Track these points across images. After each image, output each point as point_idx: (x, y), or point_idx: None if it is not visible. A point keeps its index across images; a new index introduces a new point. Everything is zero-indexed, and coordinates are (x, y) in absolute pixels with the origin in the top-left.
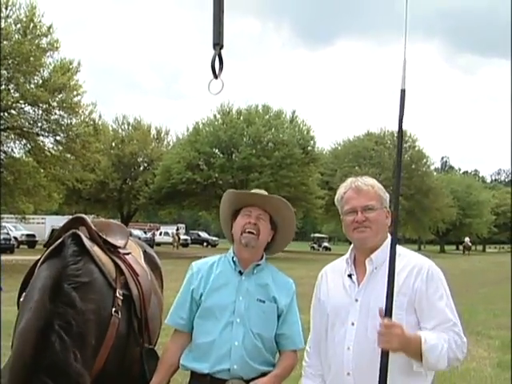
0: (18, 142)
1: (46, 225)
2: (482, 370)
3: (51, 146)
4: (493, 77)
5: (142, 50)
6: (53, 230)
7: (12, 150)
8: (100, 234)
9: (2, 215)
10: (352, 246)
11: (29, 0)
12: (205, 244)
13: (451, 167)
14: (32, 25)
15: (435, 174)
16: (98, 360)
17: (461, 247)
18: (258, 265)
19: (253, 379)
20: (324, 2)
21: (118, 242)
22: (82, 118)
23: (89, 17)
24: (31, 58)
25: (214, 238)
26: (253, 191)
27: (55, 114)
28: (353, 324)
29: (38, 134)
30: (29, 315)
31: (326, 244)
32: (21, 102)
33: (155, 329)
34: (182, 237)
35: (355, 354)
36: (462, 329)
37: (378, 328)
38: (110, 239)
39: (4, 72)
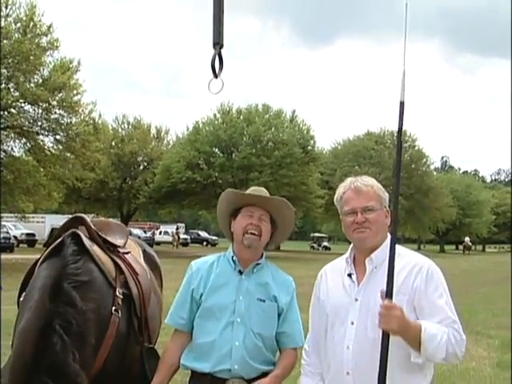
0: (17, 140)
1: (45, 224)
2: (481, 370)
3: (51, 145)
4: (493, 77)
5: (142, 50)
6: (52, 230)
7: (12, 148)
8: (99, 233)
9: (2, 214)
10: (352, 245)
11: None
12: (204, 243)
13: (451, 167)
14: (32, 24)
15: (435, 173)
16: (98, 359)
17: (460, 247)
18: (258, 264)
19: (253, 379)
20: (324, 1)
21: (118, 241)
22: (82, 117)
23: (89, 16)
24: (31, 57)
25: (214, 238)
26: (252, 189)
27: (55, 113)
28: (352, 323)
29: (37, 133)
30: (29, 314)
31: (325, 243)
32: (21, 100)
33: (155, 328)
34: (182, 236)
35: (355, 353)
36: (462, 328)
37: (377, 327)
38: (109, 238)
39: (4, 71)
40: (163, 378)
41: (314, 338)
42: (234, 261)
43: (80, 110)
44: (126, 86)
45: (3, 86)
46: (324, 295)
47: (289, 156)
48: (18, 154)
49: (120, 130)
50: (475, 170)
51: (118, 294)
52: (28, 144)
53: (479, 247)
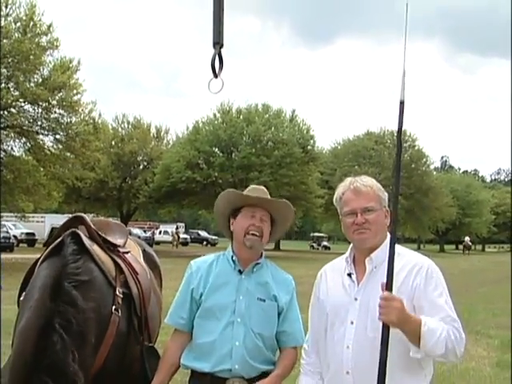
0: (17, 140)
1: (45, 223)
2: (481, 370)
3: (51, 144)
4: (493, 76)
5: (141, 49)
6: (52, 229)
7: (12, 148)
8: (99, 232)
9: (2, 214)
10: (351, 245)
11: None
12: (204, 243)
13: (451, 167)
14: (32, 23)
15: (435, 173)
16: (98, 358)
17: (460, 247)
18: (258, 263)
19: (253, 378)
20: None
21: (118, 240)
22: (82, 116)
23: (89, 15)
24: (31, 57)
25: (214, 237)
26: (252, 187)
27: (55, 112)
28: (352, 323)
29: (37, 133)
30: (29, 314)
31: (325, 243)
32: (20, 100)
33: (155, 327)
34: (182, 236)
35: (354, 352)
36: (462, 327)
37: (377, 327)
38: (109, 238)
39: (4, 70)
40: (163, 378)
41: (313, 338)
42: (233, 260)
43: (80, 110)
44: (125, 85)
45: (3, 85)
46: (324, 295)
47: (289, 156)
48: (17, 154)
49: (120, 129)
50: (475, 170)
51: (118, 293)
52: (28, 143)
53: (479, 247)
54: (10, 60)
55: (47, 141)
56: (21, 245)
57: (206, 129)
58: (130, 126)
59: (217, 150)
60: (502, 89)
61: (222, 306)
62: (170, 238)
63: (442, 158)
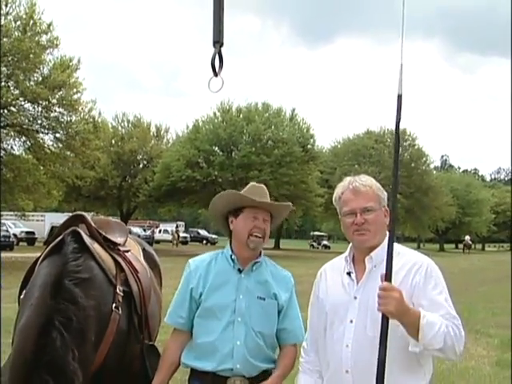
0: (17, 139)
1: (45, 222)
2: (480, 369)
3: (51, 143)
4: (492, 76)
5: (142, 48)
6: (52, 228)
7: (12, 147)
8: (100, 231)
9: (2, 212)
10: (351, 244)
11: None
12: (204, 242)
13: (451, 166)
14: (32, 22)
15: (435, 172)
16: (98, 355)
17: (460, 246)
18: (257, 262)
19: (254, 377)
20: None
21: (118, 239)
22: (82, 115)
23: (89, 14)
24: (31, 55)
25: (214, 236)
26: (251, 185)
27: (55, 111)
28: (351, 321)
29: (37, 132)
30: (30, 312)
31: (325, 242)
32: (20, 99)
33: (155, 326)
34: (182, 234)
35: (354, 351)
36: (462, 326)
37: (376, 326)
38: (109, 237)
39: (4, 69)
40: (164, 377)
41: (312, 337)
42: (232, 259)
43: (80, 109)
44: (125, 84)
45: (3, 84)
46: (323, 293)
47: (288, 155)
48: (17, 153)
49: (120, 128)
50: (475, 169)
51: (118, 291)
52: (28, 142)
53: (479, 246)
54: (9, 58)
55: (47, 139)
56: (21, 243)
57: (206, 128)
58: (129, 125)
59: (217, 148)
60: (501, 88)
61: (223, 305)
62: (169, 237)
63: (442, 157)
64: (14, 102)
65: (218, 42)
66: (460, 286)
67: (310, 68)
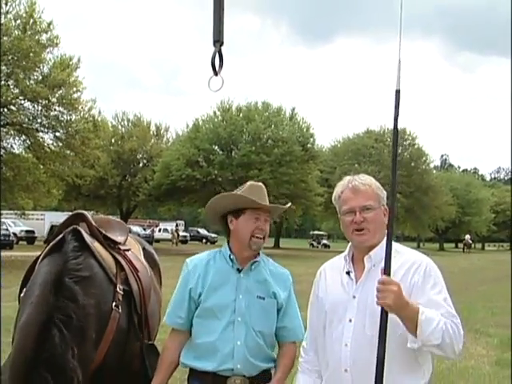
0: (17, 137)
1: (45, 221)
2: (480, 368)
3: (51, 142)
4: (492, 75)
5: (142, 47)
6: (52, 227)
7: (11, 145)
8: (100, 230)
9: (2, 211)
10: (350, 243)
11: None
12: (204, 241)
13: (451, 165)
14: (32, 21)
15: (434, 171)
16: (97, 354)
17: (460, 245)
18: (256, 261)
19: (254, 376)
20: None
21: (118, 238)
22: (82, 114)
23: (89, 13)
24: (31, 54)
25: (213, 235)
26: (250, 184)
27: (55, 110)
28: (350, 321)
29: (37, 130)
30: (30, 310)
31: (324, 241)
32: (20, 97)
33: (154, 325)
34: (181, 233)
35: (353, 350)
36: (461, 325)
37: (375, 325)
38: (110, 235)
39: (4, 68)
40: (163, 377)
41: (311, 336)
42: (231, 259)
43: (80, 107)
44: (125, 83)
45: (3, 82)
46: (323, 292)
47: (288, 154)
48: (17, 151)
49: (120, 127)
50: (475, 169)
51: (118, 290)
52: (28, 141)
53: (478, 245)
54: (9, 57)
55: (47, 138)
56: (20, 242)
57: (206, 127)
58: (129, 124)
59: (217, 147)
60: (501, 87)
61: (222, 305)
62: (169, 236)
63: (442, 156)
64: (13, 101)
65: (218, 41)
66: (460, 285)
67: (309, 67)
